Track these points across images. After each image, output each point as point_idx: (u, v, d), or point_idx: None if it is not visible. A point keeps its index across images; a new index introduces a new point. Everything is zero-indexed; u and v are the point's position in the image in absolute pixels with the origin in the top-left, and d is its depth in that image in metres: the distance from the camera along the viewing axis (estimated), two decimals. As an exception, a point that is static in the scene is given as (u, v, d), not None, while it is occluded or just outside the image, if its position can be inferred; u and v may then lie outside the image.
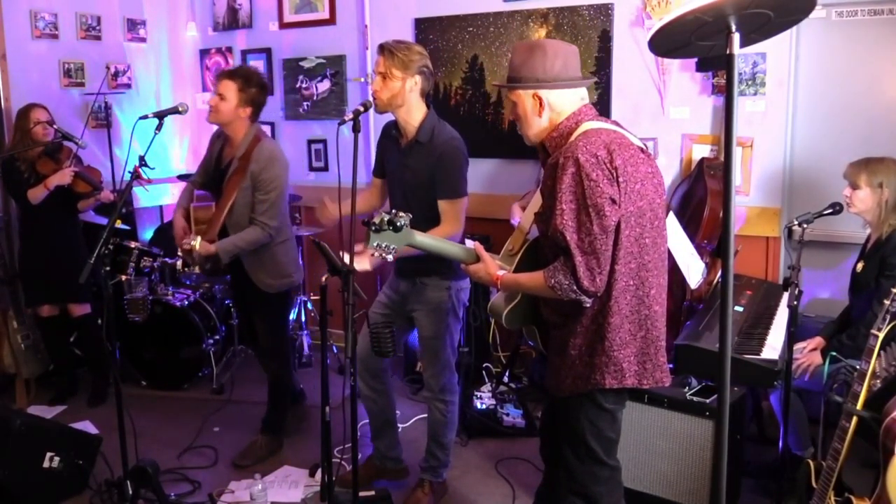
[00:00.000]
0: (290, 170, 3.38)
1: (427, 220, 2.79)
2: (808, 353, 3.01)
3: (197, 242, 3.10)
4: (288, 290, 3.47)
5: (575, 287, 1.96)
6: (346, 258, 2.46)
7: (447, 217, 2.79)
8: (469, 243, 2.41)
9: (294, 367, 3.87)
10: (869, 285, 2.95)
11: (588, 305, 2.04)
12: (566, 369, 2.14)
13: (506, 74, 2.20)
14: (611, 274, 2.00)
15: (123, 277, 4.16)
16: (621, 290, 2.03)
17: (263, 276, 3.33)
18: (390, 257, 2.15)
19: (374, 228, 2.10)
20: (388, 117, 2.91)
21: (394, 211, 2.14)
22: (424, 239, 2.24)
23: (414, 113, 2.81)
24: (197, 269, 3.22)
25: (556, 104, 2.10)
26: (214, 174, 3.38)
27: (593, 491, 2.20)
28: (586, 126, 2.06)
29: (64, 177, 3.89)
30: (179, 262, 3.44)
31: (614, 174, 1.96)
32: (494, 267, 2.19)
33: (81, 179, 3.97)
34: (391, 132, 2.94)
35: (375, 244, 2.12)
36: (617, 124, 2.13)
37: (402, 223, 2.11)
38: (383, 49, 2.76)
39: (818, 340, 3.03)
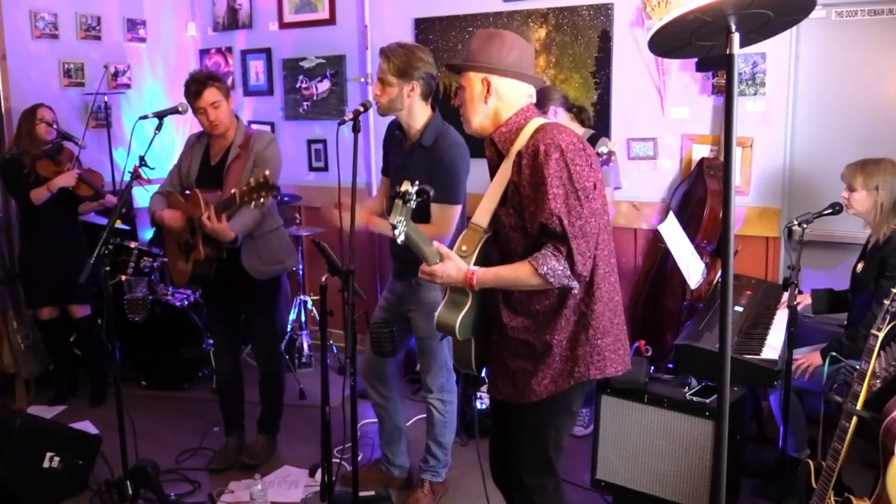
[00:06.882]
0: (290, 170, 3.38)
1: (422, 223, 2.80)
2: (808, 354, 3.01)
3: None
4: (279, 277, 3.41)
5: (569, 272, 1.94)
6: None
7: (435, 219, 2.77)
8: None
9: (286, 367, 3.82)
10: (868, 286, 2.95)
11: (576, 293, 2.02)
12: (544, 369, 2.06)
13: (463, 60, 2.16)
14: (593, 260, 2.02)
15: (123, 277, 4.18)
16: (602, 277, 2.05)
17: (257, 262, 3.27)
18: (400, 235, 1.96)
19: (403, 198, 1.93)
20: (390, 118, 2.91)
21: (417, 182, 1.94)
22: (416, 230, 2.05)
23: (416, 116, 2.81)
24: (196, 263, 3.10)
25: (504, 94, 2.09)
26: (203, 172, 3.29)
27: (537, 502, 2.16)
28: (537, 122, 2.07)
29: (69, 178, 3.91)
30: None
31: (590, 160, 2.00)
32: (464, 263, 2.05)
33: (84, 183, 3.99)
34: (395, 132, 2.94)
35: (398, 219, 1.93)
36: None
37: (432, 195, 1.98)
38: (383, 53, 2.77)
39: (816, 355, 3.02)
